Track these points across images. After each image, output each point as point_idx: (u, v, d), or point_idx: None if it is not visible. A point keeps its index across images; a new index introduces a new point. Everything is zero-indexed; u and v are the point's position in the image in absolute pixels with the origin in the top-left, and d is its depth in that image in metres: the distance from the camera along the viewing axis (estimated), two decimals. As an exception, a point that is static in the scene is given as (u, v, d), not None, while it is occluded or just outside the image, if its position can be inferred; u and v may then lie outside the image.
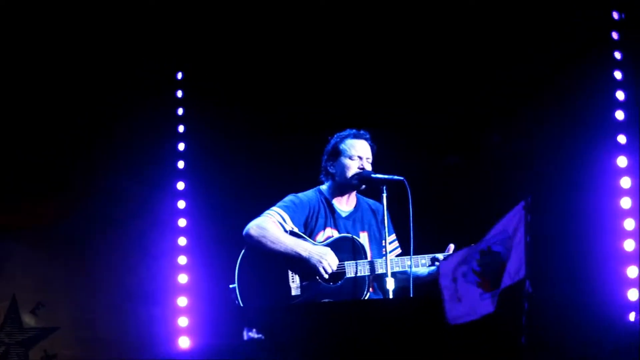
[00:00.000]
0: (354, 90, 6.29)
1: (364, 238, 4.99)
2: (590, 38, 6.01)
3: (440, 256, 4.86)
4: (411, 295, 4.71)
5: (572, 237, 5.83)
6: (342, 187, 5.04)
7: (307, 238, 4.87)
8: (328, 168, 5.07)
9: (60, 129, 6.54)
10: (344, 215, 5.05)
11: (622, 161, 5.91)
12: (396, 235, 5.12)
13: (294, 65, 6.43)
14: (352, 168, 4.98)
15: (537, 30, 6.05)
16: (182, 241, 6.52)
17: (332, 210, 5.02)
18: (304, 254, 4.76)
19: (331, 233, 4.95)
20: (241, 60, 6.52)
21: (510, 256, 3.72)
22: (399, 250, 5.09)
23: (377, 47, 6.30)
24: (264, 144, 6.39)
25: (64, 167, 6.54)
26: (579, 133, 5.96)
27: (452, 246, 4.93)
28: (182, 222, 6.54)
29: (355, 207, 5.11)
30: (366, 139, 5.06)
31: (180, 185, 6.59)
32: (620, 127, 5.96)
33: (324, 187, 5.12)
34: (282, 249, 4.77)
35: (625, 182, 5.89)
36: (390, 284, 4.66)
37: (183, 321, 6.39)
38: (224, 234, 6.11)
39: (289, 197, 5.01)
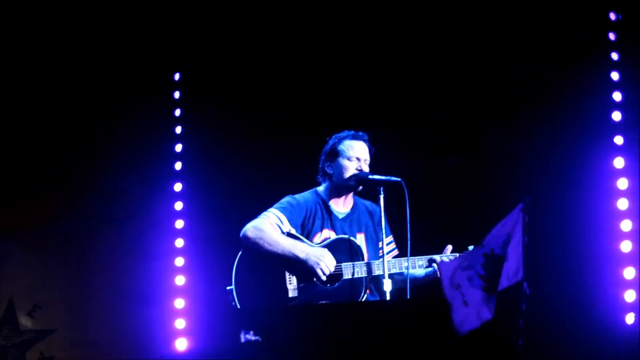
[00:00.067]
0: (352, 90, 6.29)
1: (360, 239, 4.99)
2: (587, 39, 6.02)
3: (437, 257, 4.86)
4: (408, 297, 4.71)
5: (569, 239, 5.83)
6: (340, 188, 5.04)
7: (305, 239, 4.87)
8: (326, 169, 5.07)
9: (58, 130, 6.54)
10: (340, 216, 5.05)
11: (619, 162, 5.92)
12: (393, 236, 5.11)
13: (292, 65, 6.42)
14: (350, 169, 4.98)
15: (534, 32, 6.05)
16: (179, 243, 6.51)
17: (329, 211, 5.02)
18: (301, 255, 4.75)
19: (328, 234, 4.95)
20: (239, 62, 6.52)
21: (508, 258, 3.72)
22: (396, 252, 5.09)
23: (376, 47, 6.29)
24: (261, 145, 6.39)
25: (60, 169, 6.53)
26: (576, 134, 5.96)
27: (449, 247, 4.93)
28: (179, 224, 6.54)
29: (352, 208, 5.11)
30: (364, 141, 5.06)
31: (178, 187, 6.58)
32: (617, 128, 5.96)
33: (320, 188, 5.12)
34: (279, 251, 4.76)
35: (622, 184, 5.89)
36: (387, 286, 4.65)
37: (180, 323, 6.38)
38: (221, 236, 6.10)
39: (286, 199, 5.00)
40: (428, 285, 4.94)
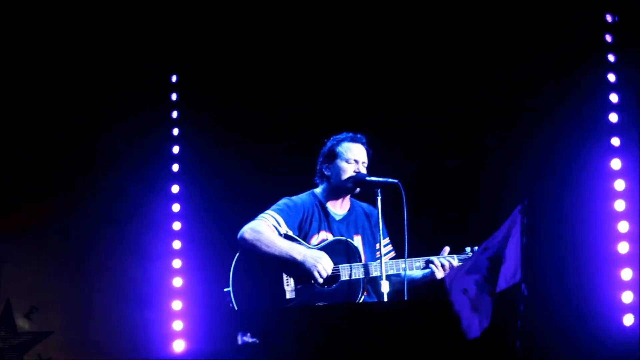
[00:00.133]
0: (349, 92, 6.29)
1: (357, 241, 4.99)
2: (584, 41, 6.02)
3: (434, 259, 4.87)
4: (405, 298, 4.71)
5: (567, 240, 5.83)
6: (337, 190, 5.04)
7: (302, 241, 4.87)
8: (323, 170, 5.07)
9: (56, 132, 6.53)
10: (337, 218, 5.05)
11: (616, 164, 5.92)
12: (390, 238, 5.12)
13: (290, 67, 6.42)
14: (348, 171, 4.98)
15: (531, 33, 6.06)
16: (176, 244, 6.50)
17: (326, 213, 5.02)
18: (299, 257, 4.75)
19: (325, 236, 4.95)
20: (236, 64, 6.52)
21: (506, 259, 3.72)
22: (392, 254, 5.09)
23: (373, 47, 6.29)
24: (258, 147, 6.39)
25: (58, 170, 6.53)
26: (573, 136, 5.96)
27: (447, 248, 4.94)
28: (176, 225, 6.53)
29: (349, 210, 5.11)
30: (362, 143, 5.07)
31: (175, 188, 6.58)
32: (614, 129, 5.97)
33: (318, 190, 5.12)
34: (276, 253, 4.76)
35: (619, 185, 5.90)
36: (384, 287, 4.66)
37: (178, 325, 6.37)
38: (218, 237, 6.10)
39: (283, 201, 5.00)
40: (425, 287, 4.95)
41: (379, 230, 4.83)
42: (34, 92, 6.48)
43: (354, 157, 5.00)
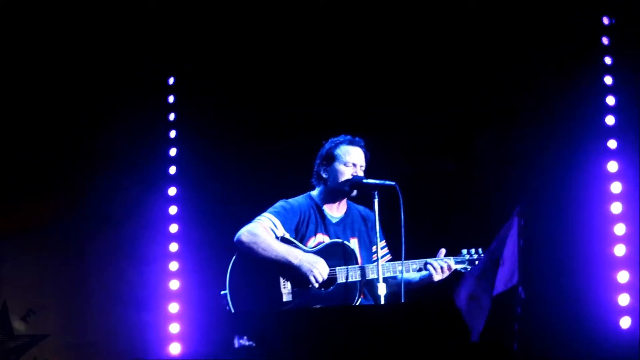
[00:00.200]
0: (346, 94, 6.30)
1: (354, 244, 4.99)
2: (581, 43, 6.03)
3: (432, 261, 4.87)
4: (402, 301, 4.71)
5: (564, 242, 5.84)
6: (334, 192, 5.03)
7: (299, 244, 4.86)
8: (321, 173, 5.06)
9: (53, 134, 6.54)
10: (334, 221, 5.05)
11: (612, 166, 5.93)
12: (386, 241, 5.11)
13: (287, 69, 6.43)
14: (346, 174, 4.98)
15: (528, 36, 6.07)
16: (173, 247, 6.50)
17: (322, 216, 5.02)
18: (295, 261, 4.75)
19: (322, 239, 4.95)
20: (233, 66, 6.52)
21: (504, 262, 3.72)
22: (389, 257, 5.09)
23: (371, 48, 6.30)
24: (255, 150, 6.39)
25: (55, 172, 6.53)
26: (570, 138, 5.97)
27: (443, 250, 4.94)
28: (173, 228, 6.53)
29: (345, 213, 5.11)
30: (361, 147, 5.06)
31: (172, 191, 6.58)
32: (611, 132, 5.98)
33: (314, 192, 5.12)
34: (272, 256, 4.76)
35: (616, 187, 5.91)
36: (381, 290, 4.66)
37: (174, 327, 6.37)
38: (215, 240, 6.10)
39: (280, 203, 5.00)
40: (422, 289, 4.95)
41: (376, 233, 4.83)
42: (27, 96, 6.47)
43: (352, 160, 4.99)
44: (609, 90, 6.02)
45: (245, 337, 3.83)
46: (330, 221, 5.03)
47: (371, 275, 4.81)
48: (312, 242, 4.93)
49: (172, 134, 6.66)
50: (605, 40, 6.06)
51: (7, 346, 6.29)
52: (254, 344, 3.82)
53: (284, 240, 4.84)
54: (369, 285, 4.91)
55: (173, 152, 6.63)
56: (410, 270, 4.86)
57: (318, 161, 5.11)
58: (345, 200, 5.10)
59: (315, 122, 6.15)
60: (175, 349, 6.31)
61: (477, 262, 4.92)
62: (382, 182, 4.84)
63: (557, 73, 6.02)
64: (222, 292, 4.80)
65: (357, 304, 4.80)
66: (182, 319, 6.38)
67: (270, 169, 6.28)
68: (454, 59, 6.20)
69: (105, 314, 6.43)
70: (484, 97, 6.18)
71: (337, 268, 4.80)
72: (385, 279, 4.75)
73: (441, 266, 4.86)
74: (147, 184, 6.56)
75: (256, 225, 4.84)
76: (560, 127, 5.99)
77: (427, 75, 6.24)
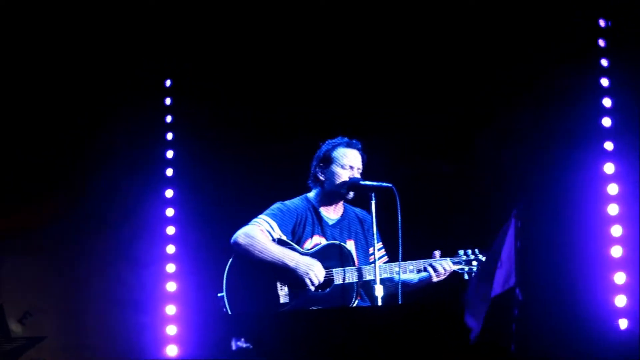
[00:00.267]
0: (343, 96, 6.30)
1: (350, 246, 4.99)
2: (577, 46, 6.04)
3: (434, 262, 4.86)
4: (399, 302, 4.71)
5: (560, 244, 5.85)
6: (331, 195, 5.03)
7: (295, 246, 4.87)
8: (318, 175, 5.06)
9: (50, 137, 6.53)
10: (331, 223, 5.05)
11: (609, 168, 5.94)
12: (383, 243, 5.11)
13: (284, 71, 6.43)
14: (343, 177, 4.97)
15: (524, 38, 6.08)
16: (170, 249, 6.50)
17: (319, 218, 5.02)
18: (291, 264, 4.75)
19: (319, 240, 4.95)
20: (230, 69, 6.52)
21: (502, 264, 3.72)
22: (385, 258, 5.09)
23: (368, 49, 6.30)
24: (252, 152, 6.39)
25: (51, 175, 6.52)
26: (567, 140, 5.98)
27: (437, 252, 4.94)
28: (170, 230, 6.53)
29: (342, 215, 5.11)
30: (358, 149, 5.05)
31: (169, 193, 6.58)
32: (607, 134, 5.98)
33: (311, 194, 5.12)
34: (269, 258, 4.76)
35: (613, 189, 5.92)
36: (378, 291, 4.66)
37: (171, 329, 6.37)
38: (212, 242, 6.10)
39: (276, 205, 5.00)
40: (419, 291, 4.95)
41: (373, 234, 4.83)
42: (23, 98, 6.47)
43: (349, 163, 4.99)
44: (605, 92, 6.03)
45: (242, 339, 3.83)
46: (327, 223, 5.03)
47: (368, 277, 4.81)
48: (308, 244, 4.93)
49: (169, 136, 6.66)
50: (601, 43, 6.07)
51: (4, 348, 6.28)
52: (251, 346, 3.82)
53: (280, 242, 4.84)
54: (366, 287, 4.91)
55: (170, 154, 6.63)
56: (407, 272, 4.86)
57: (315, 163, 5.11)
58: (342, 202, 5.10)
59: (312, 124, 6.15)
60: (172, 351, 6.31)
61: (474, 263, 4.93)
62: (379, 183, 4.84)
63: (553, 75, 6.03)
64: (219, 294, 4.80)
65: (354, 305, 4.81)
66: (179, 321, 6.38)
67: (267, 171, 6.28)
68: (451, 60, 6.21)
69: (102, 316, 6.42)
70: (481, 99, 6.18)
71: (334, 270, 4.81)
72: (382, 281, 4.75)
73: (444, 268, 4.86)
74: (144, 186, 6.55)
75: (253, 227, 4.85)
76: (557, 128, 6.00)
77: (423, 76, 6.25)
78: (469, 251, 4.95)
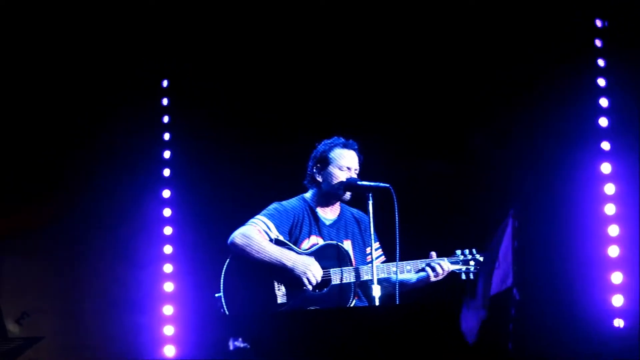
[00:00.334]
0: (340, 95, 6.30)
1: (347, 246, 5.00)
2: (574, 46, 6.05)
3: (434, 262, 4.86)
4: (397, 303, 4.72)
5: (557, 244, 5.86)
6: (328, 195, 5.03)
7: (292, 246, 4.87)
8: (315, 176, 5.05)
9: (47, 137, 6.52)
10: (327, 223, 5.05)
11: (606, 168, 5.95)
12: (380, 242, 5.12)
13: (280, 71, 6.43)
14: (340, 178, 4.97)
15: (520, 38, 6.08)
16: (167, 249, 6.50)
17: (316, 218, 5.02)
18: (289, 264, 4.75)
19: (316, 241, 4.95)
20: (227, 69, 6.52)
21: (499, 264, 3.72)
22: (383, 258, 5.09)
23: (366, 49, 6.30)
24: (249, 152, 6.39)
25: (48, 176, 6.52)
26: (564, 140, 5.99)
27: (433, 253, 4.94)
28: (168, 230, 6.53)
29: (339, 215, 5.11)
30: (355, 150, 5.05)
31: (166, 193, 6.58)
32: (604, 134, 5.99)
33: (307, 195, 5.11)
34: (266, 259, 4.76)
35: (610, 189, 5.93)
36: (376, 291, 4.66)
37: (169, 330, 6.37)
38: (209, 242, 6.10)
39: (273, 206, 5.00)
40: (418, 291, 4.96)
41: (370, 234, 4.83)
42: (20, 100, 6.47)
43: (346, 164, 4.99)
44: (602, 92, 6.04)
45: (239, 339, 3.84)
46: (323, 223, 5.03)
47: (365, 277, 4.81)
48: (306, 244, 4.93)
49: (166, 136, 6.66)
50: (598, 43, 6.08)
51: (1, 349, 6.27)
52: (248, 346, 3.82)
53: (277, 242, 4.85)
54: (363, 287, 4.91)
55: (167, 154, 6.63)
56: (404, 272, 4.86)
57: (311, 164, 5.10)
58: (338, 202, 5.10)
59: (309, 124, 6.15)
60: (169, 351, 6.31)
61: (471, 263, 4.94)
62: (376, 184, 4.84)
63: (550, 75, 6.03)
64: (217, 295, 4.80)
65: (352, 305, 4.81)
66: (177, 322, 6.38)
67: (264, 171, 6.27)
68: (448, 61, 6.21)
69: (100, 316, 6.42)
70: (477, 99, 6.18)
71: (332, 270, 4.81)
72: (379, 281, 4.75)
73: (442, 267, 4.86)
74: (141, 186, 6.56)
75: (250, 227, 4.85)
76: (554, 128, 6.00)
77: (420, 76, 6.25)
78: (467, 251, 4.96)
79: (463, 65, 6.19)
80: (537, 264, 5.64)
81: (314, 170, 5.06)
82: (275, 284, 4.79)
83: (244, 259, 4.78)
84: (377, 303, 4.65)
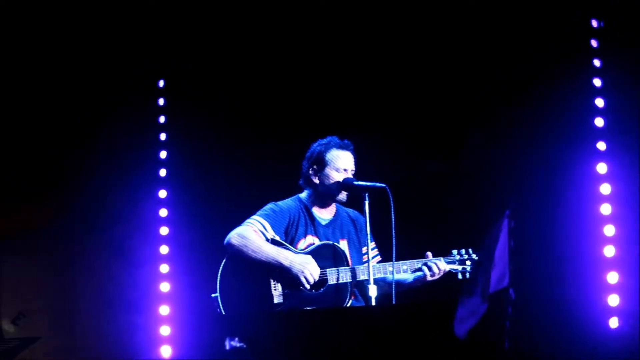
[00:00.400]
0: (336, 94, 6.30)
1: (343, 245, 4.99)
2: (570, 46, 6.06)
3: (430, 262, 4.86)
4: (394, 302, 4.72)
5: (553, 243, 5.87)
6: (324, 196, 5.02)
7: (289, 246, 4.87)
8: (311, 177, 5.03)
9: (43, 138, 6.52)
10: (323, 223, 5.05)
11: (602, 168, 5.96)
12: (376, 242, 5.12)
13: (276, 71, 6.43)
14: (337, 180, 4.97)
15: (516, 38, 6.09)
16: (164, 249, 6.50)
17: (312, 218, 5.02)
18: (286, 263, 4.75)
19: (312, 240, 4.95)
20: (223, 70, 6.52)
21: (496, 265, 3.73)
22: (379, 258, 5.10)
23: (363, 49, 6.30)
24: (245, 152, 6.39)
25: (45, 176, 6.51)
26: (559, 140, 5.99)
27: (429, 253, 4.94)
28: (164, 230, 6.53)
29: (334, 215, 5.11)
30: (351, 150, 5.04)
31: (162, 193, 6.58)
32: (600, 134, 6.00)
33: (303, 195, 5.11)
34: (263, 258, 4.76)
35: (605, 189, 5.94)
36: (372, 291, 4.66)
37: (165, 330, 6.37)
38: (206, 242, 6.10)
39: (269, 206, 4.99)
40: (413, 290, 4.96)
41: (366, 234, 4.83)
42: (17, 100, 6.46)
43: (343, 166, 4.97)
44: (598, 92, 6.05)
45: (236, 339, 3.84)
46: (319, 223, 5.03)
47: (362, 277, 4.81)
48: (302, 244, 4.93)
49: (163, 136, 6.66)
50: (594, 43, 6.09)
51: (-2, 350, 6.28)
52: (245, 346, 3.82)
53: (274, 242, 4.84)
54: (360, 287, 4.91)
55: (163, 154, 6.63)
56: (400, 272, 4.86)
57: (307, 165, 5.07)
58: (334, 202, 5.09)
59: (306, 124, 6.15)
60: (166, 351, 6.31)
61: (467, 262, 4.94)
62: (372, 184, 4.84)
63: (546, 75, 6.04)
64: (213, 295, 4.80)
65: (348, 305, 4.81)
66: (173, 322, 6.38)
67: (260, 171, 6.27)
68: (444, 61, 6.22)
69: (96, 316, 6.42)
70: (473, 99, 6.19)
71: (328, 269, 4.81)
72: (376, 280, 4.75)
73: (438, 267, 4.87)
74: (137, 186, 6.55)
75: (246, 227, 4.84)
76: (550, 128, 6.01)
77: (417, 76, 6.25)
78: (463, 251, 4.96)
79: (459, 65, 6.19)
80: (534, 264, 5.65)
81: (310, 172, 5.03)
82: (272, 283, 4.78)
83: (241, 259, 4.77)
84: (373, 303, 4.65)
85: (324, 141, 5.07)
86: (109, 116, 6.54)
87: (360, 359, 3.71)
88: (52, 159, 6.53)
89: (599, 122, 6.02)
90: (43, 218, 6.51)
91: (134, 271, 6.42)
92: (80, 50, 6.47)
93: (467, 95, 6.20)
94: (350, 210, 5.18)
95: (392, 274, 4.77)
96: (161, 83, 6.71)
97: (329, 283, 4.80)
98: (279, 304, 4.76)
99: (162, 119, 6.69)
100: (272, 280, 4.78)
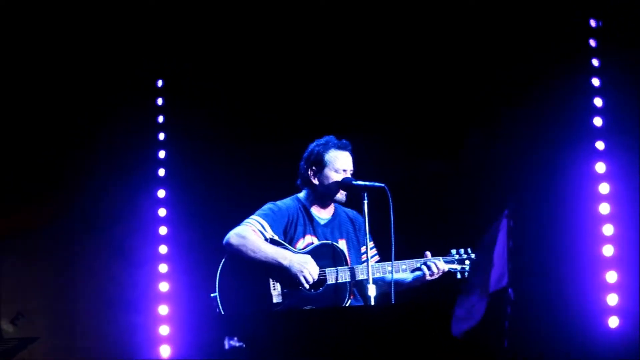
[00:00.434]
0: (334, 94, 6.30)
1: (342, 245, 4.99)
2: (568, 46, 6.06)
3: (429, 261, 4.87)
4: (393, 302, 4.72)
5: (552, 243, 5.87)
6: (323, 196, 5.02)
7: (288, 246, 4.87)
8: (310, 178, 5.02)
9: (42, 138, 6.52)
10: (322, 222, 5.05)
11: (600, 167, 5.96)
12: (375, 242, 5.12)
13: (274, 71, 6.43)
14: (336, 180, 4.96)
15: (515, 38, 6.09)
16: (163, 249, 6.50)
17: (310, 218, 5.02)
18: (285, 262, 4.75)
19: (311, 240, 4.95)
20: (222, 70, 6.52)
21: (495, 264, 3.73)
22: (377, 257, 5.09)
23: (361, 49, 6.30)
24: (244, 152, 6.39)
25: (44, 176, 6.51)
26: (558, 139, 6.00)
27: (428, 253, 4.94)
28: (163, 230, 6.53)
29: (333, 215, 5.11)
30: (349, 151, 5.03)
31: (161, 193, 6.58)
32: (598, 133, 6.01)
33: (301, 194, 5.10)
34: (262, 258, 4.76)
35: (604, 188, 5.94)
36: (371, 291, 4.66)
37: (164, 329, 6.37)
38: (205, 242, 6.09)
39: (268, 206, 4.99)
40: (413, 290, 4.96)
41: (365, 234, 4.83)
42: (16, 101, 6.46)
43: (342, 167, 4.97)
44: (596, 92, 6.05)
45: (235, 339, 3.84)
46: (318, 223, 5.03)
47: (361, 276, 4.81)
48: (301, 244, 4.93)
49: (161, 136, 6.66)
50: (592, 43, 6.09)
51: (-3, 350, 6.28)
52: (244, 346, 3.82)
53: (272, 242, 4.84)
54: (359, 286, 4.91)
55: (162, 154, 6.63)
56: (399, 271, 4.86)
57: (305, 165, 5.05)
58: (332, 202, 5.09)
59: (305, 124, 6.15)
60: (165, 351, 6.31)
61: (466, 262, 4.94)
62: (371, 183, 4.84)
63: (545, 75, 6.04)
64: (212, 295, 4.80)
65: (347, 304, 4.81)
66: (172, 321, 6.38)
67: (258, 171, 6.27)
68: (443, 61, 6.22)
69: (95, 316, 6.42)
70: (472, 99, 6.19)
71: (327, 269, 4.81)
72: (374, 280, 4.75)
73: (437, 266, 4.87)
74: (136, 186, 6.55)
75: (245, 227, 4.84)
76: (549, 128, 6.02)
77: (415, 76, 6.26)
78: (462, 250, 4.96)
79: (458, 66, 6.19)
80: (533, 263, 5.65)
81: (309, 172, 5.02)
82: (271, 283, 4.78)
83: (240, 258, 4.78)
84: (372, 302, 4.65)
85: (322, 141, 5.06)
86: (108, 116, 6.54)
87: (360, 358, 3.72)
88: (52, 159, 6.53)
89: (598, 121, 6.02)
90: (43, 218, 6.51)
91: (133, 271, 6.42)
92: (80, 50, 6.47)
93: (466, 95, 6.20)
94: (349, 210, 5.18)
95: (391, 273, 4.77)
96: (160, 83, 6.71)
97: (328, 283, 4.80)
98: (278, 303, 4.76)
99: (161, 119, 6.69)
100: (271, 280, 4.79)
